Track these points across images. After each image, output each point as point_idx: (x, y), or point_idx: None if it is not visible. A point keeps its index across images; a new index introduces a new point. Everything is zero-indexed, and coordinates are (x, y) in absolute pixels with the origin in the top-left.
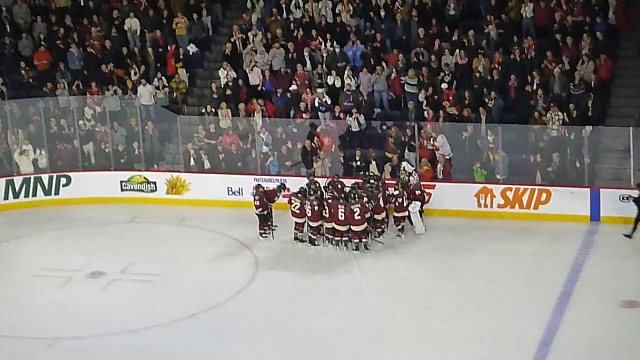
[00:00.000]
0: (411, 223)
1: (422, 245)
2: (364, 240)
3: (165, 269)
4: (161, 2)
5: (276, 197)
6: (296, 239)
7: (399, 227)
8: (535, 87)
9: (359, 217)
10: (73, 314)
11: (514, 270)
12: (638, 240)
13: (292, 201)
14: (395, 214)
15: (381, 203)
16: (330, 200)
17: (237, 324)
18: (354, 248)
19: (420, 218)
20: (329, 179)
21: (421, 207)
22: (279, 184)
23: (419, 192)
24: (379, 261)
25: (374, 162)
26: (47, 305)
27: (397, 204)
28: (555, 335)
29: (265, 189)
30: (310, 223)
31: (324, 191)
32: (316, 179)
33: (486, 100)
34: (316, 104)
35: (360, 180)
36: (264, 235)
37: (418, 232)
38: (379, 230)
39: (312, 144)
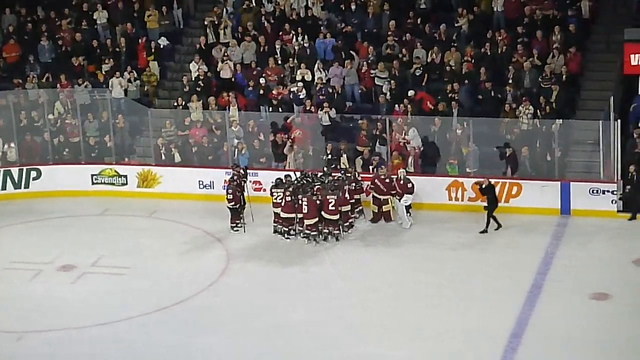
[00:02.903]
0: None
1: (393, 237)
2: (335, 231)
3: (136, 262)
4: None
5: (244, 183)
6: (276, 231)
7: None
8: (506, 80)
9: (333, 208)
10: (43, 306)
11: (484, 263)
12: (608, 233)
13: (273, 192)
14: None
15: (347, 195)
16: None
17: (209, 317)
18: (324, 238)
19: (407, 212)
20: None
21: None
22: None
23: (410, 185)
24: (350, 253)
25: (344, 156)
26: (17, 298)
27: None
28: (526, 327)
29: (236, 181)
30: (283, 215)
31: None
32: (289, 172)
33: (455, 93)
34: (293, 90)
35: (321, 172)
36: (235, 229)
37: (404, 226)
38: (347, 224)
39: (283, 138)
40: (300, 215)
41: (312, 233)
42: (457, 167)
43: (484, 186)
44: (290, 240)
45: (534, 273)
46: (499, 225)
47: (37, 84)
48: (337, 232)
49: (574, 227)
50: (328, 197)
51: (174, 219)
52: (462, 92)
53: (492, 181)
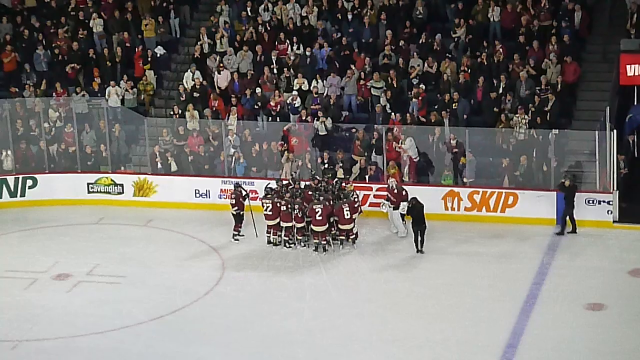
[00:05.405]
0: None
1: (388, 247)
2: (323, 242)
3: (131, 271)
4: (128, 3)
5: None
6: (269, 242)
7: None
8: (501, 90)
9: (320, 218)
10: (38, 315)
11: (480, 272)
12: (603, 243)
13: (264, 203)
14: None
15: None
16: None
17: (204, 326)
18: (314, 248)
19: (403, 221)
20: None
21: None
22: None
23: (404, 192)
24: (346, 262)
25: (340, 165)
26: (12, 306)
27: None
28: (521, 337)
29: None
30: (284, 224)
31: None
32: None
33: (452, 102)
34: (289, 101)
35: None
36: (236, 237)
37: (400, 234)
38: (353, 236)
39: (280, 147)
40: (300, 224)
41: (322, 242)
42: (451, 178)
43: (409, 206)
44: (292, 249)
45: (530, 283)
46: (419, 250)
47: (33, 92)
48: (325, 242)
49: (570, 238)
50: (342, 206)
51: (170, 228)
52: (459, 102)
53: (488, 191)
